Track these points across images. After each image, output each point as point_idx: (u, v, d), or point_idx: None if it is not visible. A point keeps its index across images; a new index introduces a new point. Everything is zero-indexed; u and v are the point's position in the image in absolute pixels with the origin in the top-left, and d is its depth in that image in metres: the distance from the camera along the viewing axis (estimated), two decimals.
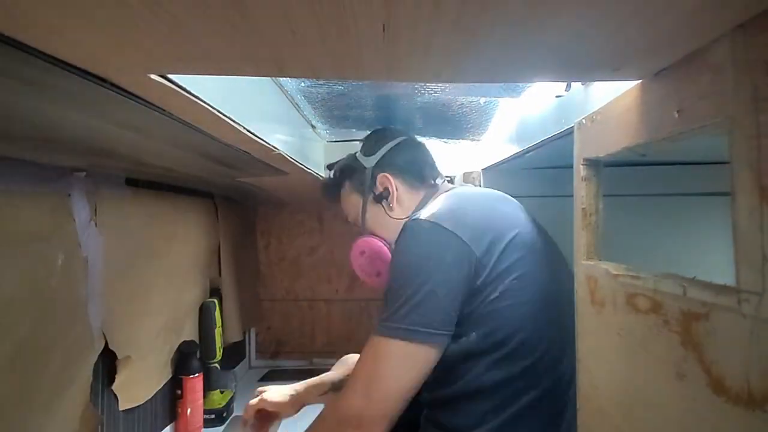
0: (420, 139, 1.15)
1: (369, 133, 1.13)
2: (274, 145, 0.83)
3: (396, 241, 0.87)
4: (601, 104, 0.59)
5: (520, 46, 0.40)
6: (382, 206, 1.02)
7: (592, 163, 0.62)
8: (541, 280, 0.85)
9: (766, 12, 0.32)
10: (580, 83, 0.68)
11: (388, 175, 1.02)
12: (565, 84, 0.73)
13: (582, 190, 0.62)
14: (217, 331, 1.42)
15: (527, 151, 0.94)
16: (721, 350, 0.36)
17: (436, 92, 0.95)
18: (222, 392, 1.45)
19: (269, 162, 0.97)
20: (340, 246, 2.06)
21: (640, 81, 0.49)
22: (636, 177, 1.21)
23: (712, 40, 0.37)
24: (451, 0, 0.32)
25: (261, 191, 1.63)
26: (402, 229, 0.86)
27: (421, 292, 0.77)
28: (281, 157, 0.92)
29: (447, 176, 1.12)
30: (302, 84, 0.93)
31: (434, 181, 1.08)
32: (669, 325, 0.42)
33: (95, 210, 0.94)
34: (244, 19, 0.34)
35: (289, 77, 0.85)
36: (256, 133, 0.72)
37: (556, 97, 0.76)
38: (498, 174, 1.30)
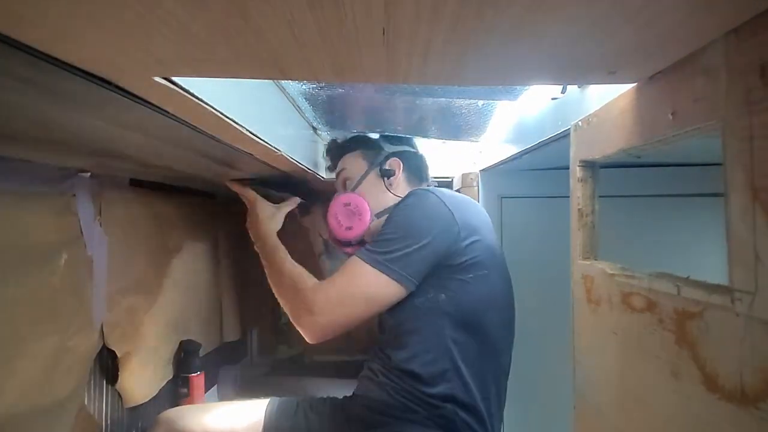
0: (420, 139, 1.29)
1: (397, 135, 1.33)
2: (276, 146, 0.83)
3: (402, 201, 1.05)
4: (596, 107, 0.59)
5: (517, 50, 0.41)
6: (383, 180, 1.19)
7: (588, 165, 0.62)
8: (502, 283, 1.05)
9: (758, 16, 0.33)
10: (576, 86, 0.69)
11: (400, 161, 1.21)
12: (561, 87, 0.73)
13: (578, 191, 0.63)
14: None
15: (524, 152, 0.95)
16: (714, 348, 0.37)
17: (435, 95, 0.95)
18: None
19: (271, 163, 0.97)
20: None
21: (636, 84, 0.50)
22: (631, 178, 1.21)
23: (706, 44, 0.38)
24: (450, 5, 0.32)
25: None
26: (409, 194, 1.04)
27: (412, 246, 0.96)
28: (283, 159, 0.92)
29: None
30: (303, 86, 0.94)
31: (427, 184, 1.27)
32: (663, 324, 0.43)
33: (100, 210, 0.95)
34: (247, 23, 0.34)
35: (291, 80, 0.86)
36: (259, 135, 0.72)
37: (553, 99, 0.77)
38: (496, 175, 1.31)
